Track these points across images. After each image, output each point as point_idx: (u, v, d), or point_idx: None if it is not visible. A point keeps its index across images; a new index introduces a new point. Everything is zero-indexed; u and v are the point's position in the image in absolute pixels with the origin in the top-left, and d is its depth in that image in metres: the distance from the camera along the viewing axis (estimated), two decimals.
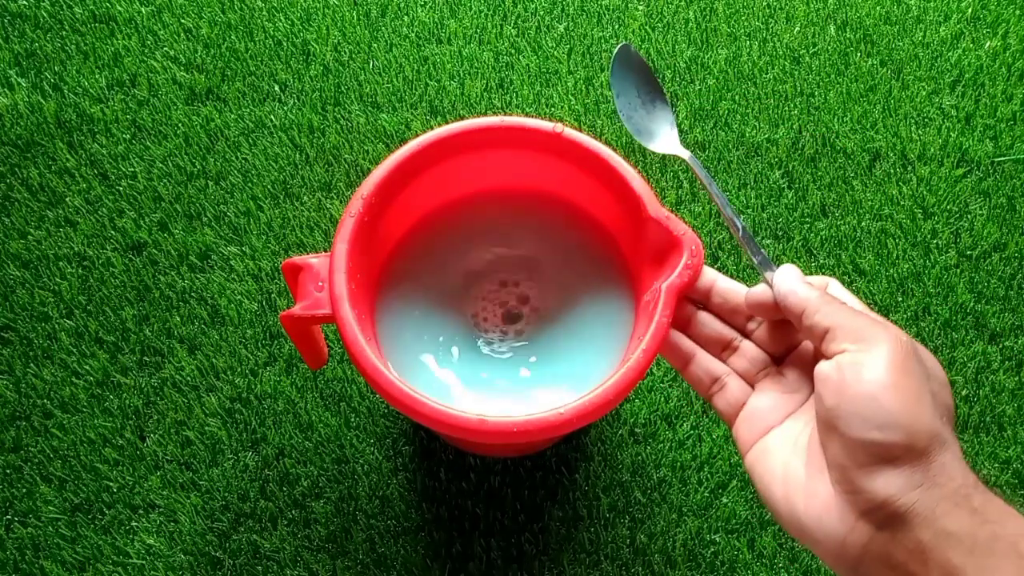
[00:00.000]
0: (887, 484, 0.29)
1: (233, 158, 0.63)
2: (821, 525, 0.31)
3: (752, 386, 0.37)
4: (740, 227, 0.38)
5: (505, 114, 0.55)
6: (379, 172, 0.43)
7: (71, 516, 0.55)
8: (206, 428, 0.56)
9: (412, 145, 0.44)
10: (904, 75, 0.67)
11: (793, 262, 0.62)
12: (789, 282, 0.34)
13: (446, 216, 0.50)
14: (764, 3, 0.69)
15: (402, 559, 0.54)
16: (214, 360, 0.58)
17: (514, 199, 0.50)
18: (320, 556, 0.54)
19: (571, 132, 0.44)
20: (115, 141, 0.64)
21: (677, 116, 0.65)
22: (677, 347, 0.39)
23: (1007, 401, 0.58)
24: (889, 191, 0.63)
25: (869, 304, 0.60)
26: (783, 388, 0.36)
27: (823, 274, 0.61)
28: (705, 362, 0.39)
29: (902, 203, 0.63)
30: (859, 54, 0.68)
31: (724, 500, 0.55)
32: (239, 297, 0.59)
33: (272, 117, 0.65)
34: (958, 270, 0.61)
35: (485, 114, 0.65)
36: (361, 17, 0.68)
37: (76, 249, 0.60)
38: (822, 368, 0.32)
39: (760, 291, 0.36)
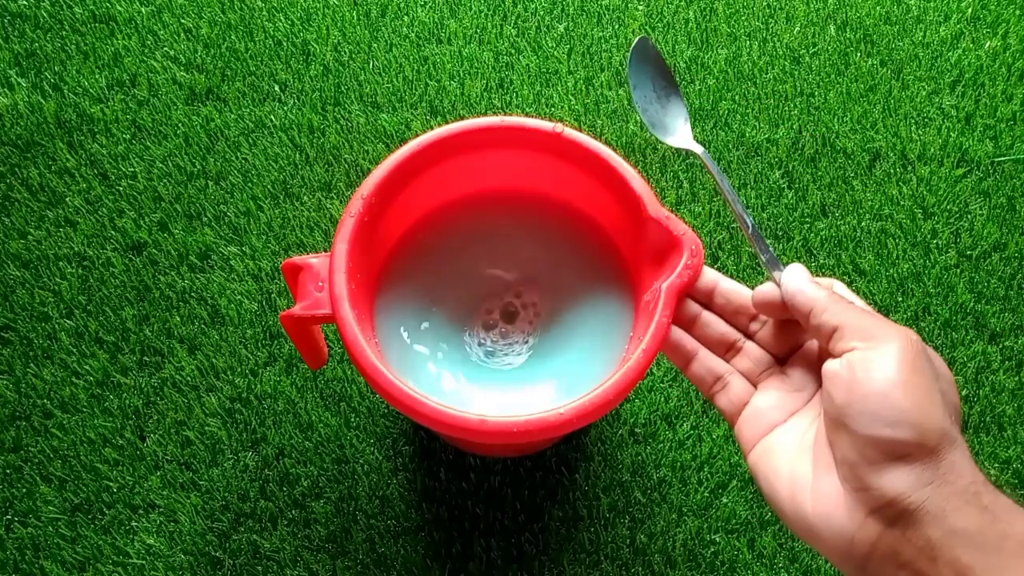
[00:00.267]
0: (897, 481, 0.29)
1: (233, 158, 0.63)
2: (829, 524, 0.31)
3: (755, 386, 0.37)
4: (750, 224, 0.38)
5: (505, 114, 0.55)
6: (379, 172, 0.43)
7: (71, 516, 0.55)
8: (206, 428, 0.56)
9: (412, 145, 0.44)
10: (904, 75, 0.67)
11: (793, 262, 0.61)
12: (797, 281, 0.35)
13: (446, 216, 0.50)
14: (764, 3, 0.69)
15: (402, 559, 0.54)
16: (214, 360, 0.58)
17: (514, 199, 0.50)
18: (320, 556, 0.54)
19: (571, 132, 0.44)
20: (115, 141, 0.64)
21: None
22: (679, 346, 0.39)
23: (1007, 401, 0.58)
24: (889, 191, 0.63)
25: (869, 304, 0.60)
26: (787, 387, 0.36)
27: (823, 274, 0.61)
28: (707, 360, 0.39)
29: (902, 203, 0.63)
30: (859, 54, 0.68)
31: (724, 500, 0.55)
32: (239, 297, 0.59)
33: (272, 117, 0.65)
34: (958, 270, 0.61)
35: (485, 114, 0.65)
36: (361, 17, 0.68)
37: (76, 249, 0.60)
38: (831, 366, 0.32)
39: (767, 290, 0.36)
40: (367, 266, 0.45)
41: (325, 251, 0.46)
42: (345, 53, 0.67)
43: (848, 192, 0.63)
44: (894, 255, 0.61)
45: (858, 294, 0.60)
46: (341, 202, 0.62)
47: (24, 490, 0.55)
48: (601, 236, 0.49)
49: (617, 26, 0.68)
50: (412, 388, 0.39)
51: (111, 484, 0.55)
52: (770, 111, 0.65)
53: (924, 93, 0.66)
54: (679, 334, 0.39)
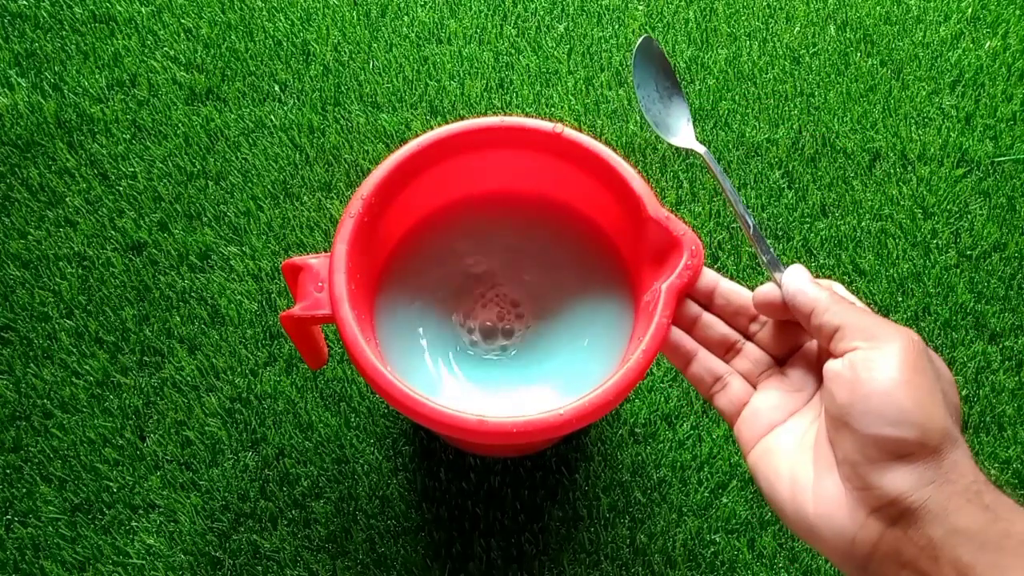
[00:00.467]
0: (899, 480, 0.29)
1: (233, 158, 0.63)
2: (830, 524, 0.31)
3: (754, 386, 0.38)
4: (751, 225, 0.38)
5: (505, 114, 0.55)
6: (379, 172, 0.43)
7: (71, 516, 0.55)
8: (206, 428, 0.56)
9: (412, 145, 0.44)
10: (904, 75, 0.67)
11: (793, 262, 0.61)
12: (798, 282, 0.35)
13: (446, 217, 0.50)
14: (764, 3, 0.69)
15: (402, 559, 0.54)
16: (214, 360, 0.58)
17: (514, 199, 0.50)
18: (320, 556, 0.54)
19: (571, 132, 0.44)
20: (115, 141, 0.64)
21: None
22: (679, 346, 0.39)
23: (1007, 401, 0.58)
24: (889, 191, 0.63)
25: (869, 304, 0.60)
26: (787, 387, 0.36)
27: (823, 274, 0.61)
28: (707, 361, 0.39)
29: (902, 203, 0.63)
30: (859, 54, 0.68)
31: (724, 500, 0.55)
32: (239, 297, 0.59)
33: (272, 117, 0.65)
34: (958, 270, 0.61)
35: (485, 114, 0.65)
36: (361, 17, 0.68)
37: (76, 249, 0.60)
38: (832, 366, 0.32)
39: (768, 290, 0.36)
40: (367, 266, 0.45)
41: (325, 251, 0.46)
42: (345, 53, 0.67)
43: (848, 192, 0.63)
44: (894, 255, 0.61)
45: (858, 294, 0.61)
46: (341, 202, 0.62)
47: (24, 490, 0.55)
48: (601, 236, 0.49)
49: (617, 26, 0.68)
50: (411, 388, 0.39)
51: (111, 484, 0.55)
52: (770, 111, 0.65)
53: (924, 93, 0.66)
54: (679, 334, 0.39)
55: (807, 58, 0.67)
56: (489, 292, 0.50)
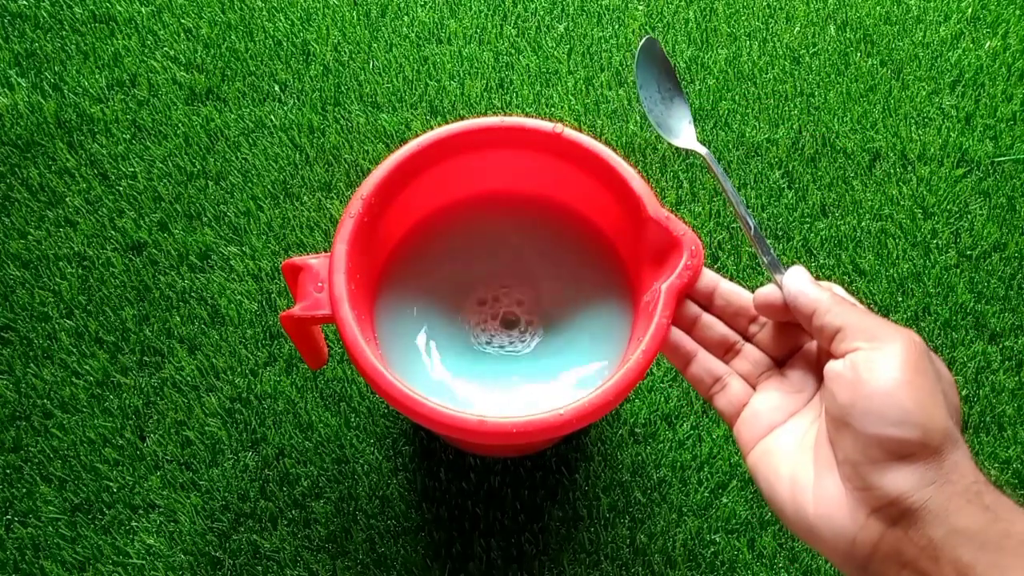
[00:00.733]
0: (900, 480, 0.29)
1: (233, 158, 0.63)
2: (830, 524, 0.31)
3: (754, 387, 0.38)
4: (752, 226, 0.38)
5: (505, 114, 0.55)
6: (379, 172, 0.43)
7: (71, 516, 0.55)
8: (206, 428, 0.56)
9: (412, 145, 0.44)
10: (904, 75, 0.67)
11: (793, 262, 0.61)
12: (799, 283, 0.35)
13: (446, 217, 0.50)
14: (764, 3, 0.69)
15: (402, 559, 0.54)
16: (214, 360, 0.58)
17: (514, 200, 0.50)
18: (320, 556, 0.54)
19: (571, 132, 0.44)
20: (115, 141, 0.64)
21: None
22: (678, 346, 0.39)
23: (1007, 401, 0.58)
24: (889, 191, 0.63)
25: (869, 305, 0.60)
26: (786, 388, 0.36)
27: (823, 274, 0.61)
28: (706, 362, 0.39)
29: (902, 203, 0.63)
30: (859, 54, 0.68)
31: (724, 500, 0.55)
32: (239, 297, 0.59)
33: (272, 117, 0.65)
34: (958, 270, 0.61)
35: (485, 114, 0.65)
36: (361, 17, 0.68)
37: (76, 249, 0.60)
38: (834, 366, 0.32)
39: (769, 291, 0.36)
40: (367, 266, 0.45)
41: (325, 251, 0.46)
42: (345, 53, 0.67)
43: (848, 192, 0.63)
44: (894, 255, 0.61)
45: (858, 294, 0.61)
46: (341, 202, 0.62)
47: (24, 490, 0.55)
48: (601, 236, 0.49)
49: (617, 26, 0.68)
50: (411, 389, 0.39)
51: (111, 484, 0.55)
52: (770, 111, 0.65)
53: (924, 93, 0.66)
54: (678, 335, 0.39)
55: (807, 58, 0.67)
56: (488, 293, 0.50)
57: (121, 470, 0.55)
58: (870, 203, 0.63)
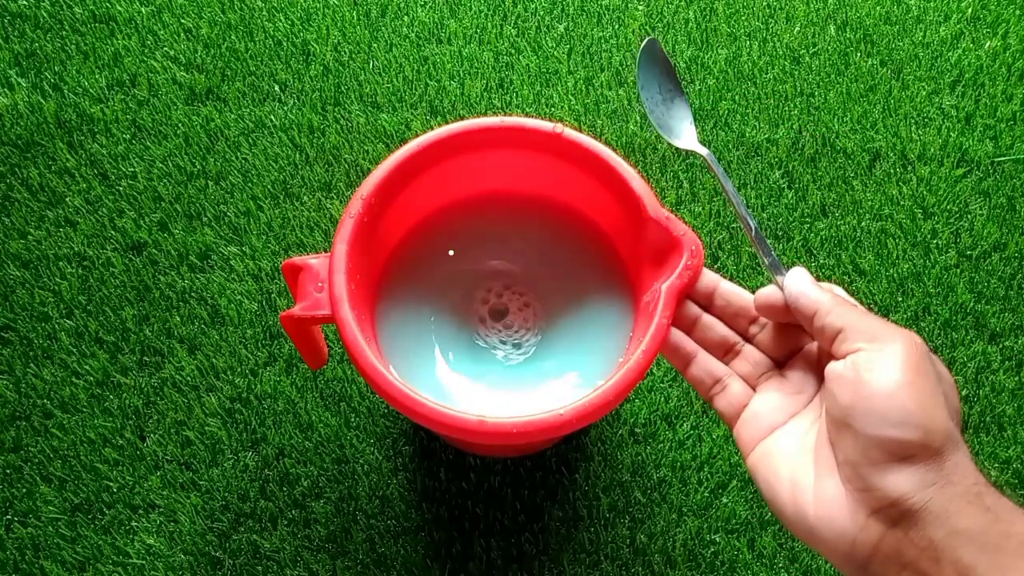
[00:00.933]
0: (901, 482, 0.29)
1: (233, 158, 0.63)
2: (831, 526, 0.31)
3: (754, 388, 0.38)
4: (753, 227, 0.38)
5: (505, 114, 0.55)
6: (379, 173, 0.43)
7: (71, 516, 0.55)
8: (206, 428, 0.56)
9: (412, 145, 0.44)
10: (904, 75, 0.67)
11: (794, 262, 0.62)
12: (800, 284, 0.35)
13: (446, 217, 0.50)
14: (764, 3, 0.69)
15: (402, 559, 0.54)
16: (214, 360, 0.58)
17: (514, 200, 0.50)
18: (320, 556, 0.54)
19: (571, 132, 0.44)
20: (115, 141, 0.64)
21: None
22: (679, 347, 0.39)
23: (1007, 401, 0.58)
24: (889, 191, 0.63)
25: (869, 305, 0.60)
26: (786, 389, 0.36)
27: (823, 274, 0.61)
28: (707, 363, 0.39)
29: (902, 203, 0.63)
30: (859, 54, 0.68)
31: (724, 500, 0.55)
32: (239, 297, 0.59)
33: (272, 117, 0.65)
34: (958, 270, 0.61)
35: (485, 114, 0.65)
36: (361, 17, 0.68)
37: (76, 249, 0.60)
38: (835, 367, 0.32)
39: (770, 292, 0.36)
40: (367, 266, 0.45)
41: (325, 251, 0.46)
42: (345, 53, 0.67)
43: (848, 192, 0.63)
44: (894, 255, 0.61)
45: (858, 294, 0.61)
46: (341, 202, 0.62)
47: (24, 490, 0.55)
48: (601, 236, 0.49)
49: (617, 26, 0.68)
50: (411, 389, 0.39)
51: (111, 484, 0.55)
52: (770, 111, 0.65)
53: (924, 93, 0.66)
54: (678, 336, 0.39)
55: (807, 58, 0.67)
56: (488, 293, 0.50)
57: (121, 470, 0.55)
58: (870, 203, 0.63)
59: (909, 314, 0.60)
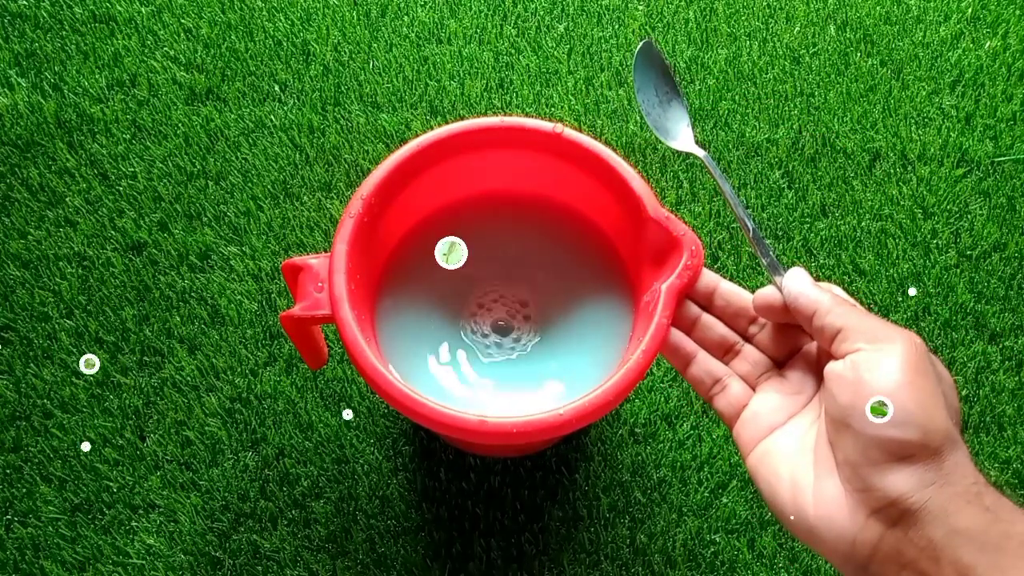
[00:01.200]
0: (900, 481, 0.29)
1: (233, 158, 0.63)
2: (831, 526, 0.31)
3: (753, 388, 0.38)
4: (751, 228, 0.38)
5: (505, 114, 0.55)
6: (379, 173, 0.43)
7: (71, 516, 0.55)
8: (206, 428, 0.56)
9: (412, 145, 0.44)
10: (904, 75, 0.67)
11: (793, 262, 0.62)
12: (799, 284, 0.35)
13: (446, 217, 0.50)
14: (764, 3, 0.69)
15: (402, 559, 0.54)
16: (214, 360, 0.58)
17: (514, 200, 0.50)
18: (320, 556, 0.54)
19: (571, 132, 0.44)
20: (115, 141, 0.64)
21: None
22: (678, 347, 0.39)
23: (1007, 401, 0.58)
24: (889, 191, 0.63)
25: (868, 305, 0.60)
26: (786, 389, 0.36)
27: (823, 274, 0.61)
28: (706, 363, 0.39)
29: (902, 203, 0.63)
30: (859, 54, 0.68)
31: (724, 500, 0.55)
32: (239, 297, 0.59)
33: (272, 117, 0.65)
34: (958, 270, 0.61)
35: (485, 114, 0.65)
36: (361, 17, 0.68)
37: (76, 249, 0.60)
38: (835, 367, 0.32)
39: (769, 293, 0.36)
40: (368, 266, 0.45)
41: (325, 251, 0.46)
42: (345, 53, 0.67)
43: (848, 192, 0.63)
44: (894, 255, 0.61)
45: (858, 294, 0.61)
46: (341, 202, 0.62)
47: (24, 490, 0.55)
48: (601, 236, 0.49)
49: (617, 26, 0.68)
50: (411, 389, 0.39)
51: (111, 484, 0.55)
52: (770, 111, 0.65)
53: (924, 93, 0.66)
54: (678, 336, 0.39)
55: (807, 58, 0.67)
56: (488, 293, 0.50)
57: (121, 470, 0.56)
58: (870, 203, 0.63)
59: (909, 314, 0.60)
